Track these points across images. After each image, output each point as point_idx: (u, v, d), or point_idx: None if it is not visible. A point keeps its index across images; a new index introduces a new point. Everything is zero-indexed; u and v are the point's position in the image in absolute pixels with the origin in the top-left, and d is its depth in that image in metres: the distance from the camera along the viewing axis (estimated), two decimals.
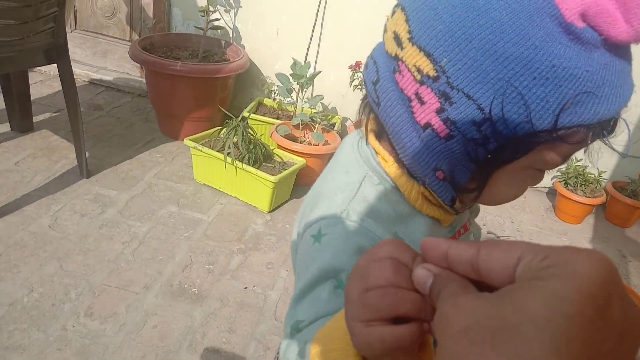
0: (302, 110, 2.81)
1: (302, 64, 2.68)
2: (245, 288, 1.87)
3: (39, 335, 1.53)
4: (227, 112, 2.44)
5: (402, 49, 0.53)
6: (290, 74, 2.64)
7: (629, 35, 0.45)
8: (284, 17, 2.96)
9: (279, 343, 1.62)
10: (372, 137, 0.63)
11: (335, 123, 2.92)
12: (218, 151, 2.30)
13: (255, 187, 2.28)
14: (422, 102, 0.52)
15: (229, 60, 2.85)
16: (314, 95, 2.91)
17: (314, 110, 2.87)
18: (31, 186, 2.19)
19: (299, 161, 2.42)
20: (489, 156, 0.52)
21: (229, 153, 2.24)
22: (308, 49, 2.89)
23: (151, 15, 3.15)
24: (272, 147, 2.46)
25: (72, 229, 1.99)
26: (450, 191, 0.57)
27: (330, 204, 0.60)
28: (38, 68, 3.27)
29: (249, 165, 2.25)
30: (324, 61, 3.00)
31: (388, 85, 0.55)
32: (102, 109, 3.00)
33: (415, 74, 0.52)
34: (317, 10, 2.83)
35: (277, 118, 2.86)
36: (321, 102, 3.08)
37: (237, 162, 2.24)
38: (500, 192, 0.58)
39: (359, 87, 2.77)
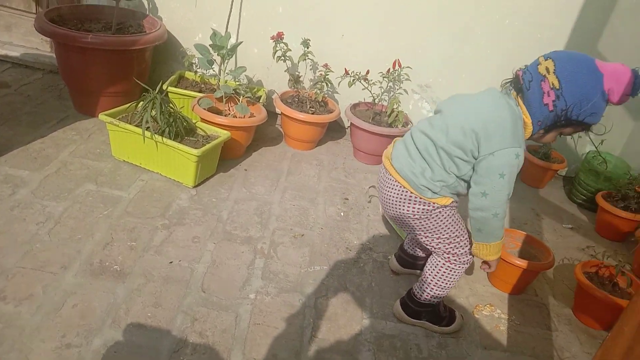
0: (226, 83, 2.76)
1: (223, 34, 2.62)
2: (171, 263, 1.84)
3: None
4: (144, 86, 2.35)
5: (549, 74, 1.45)
6: (209, 45, 2.58)
7: (616, 102, 1.44)
8: None
9: (207, 315, 1.61)
10: (519, 102, 1.53)
11: (261, 96, 2.89)
12: (136, 126, 2.22)
13: (178, 161, 2.22)
14: (549, 95, 1.46)
15: (145, 32, 2.74)
16: (237, 67, 2.86)
17: (238, 83, 2.82)
18: None
19: (224, 134, 2.38)
20: (559, 122, 1.49)
21: (147, 127, 2.16)
22: (228, 19, 2.82)
23: None
24: (194, 121, 2.41)
25: None
26: (537, 130, 1.53)
27: (504, 140, 1.46)
28: None
29: (170, 139, 2.19)
30: (246, 33, 2.94)
31: (536, 85, 1.47)
32: (9, 87, 2.81)
33: (551, 84, 1.45)
34: None
35: (200, 91, 2.80)
36: (246, 75, 3.04)
37: (157, 136, 2.17)
38: (547, 138, 1.58)
39: (282, 58, 2.75)
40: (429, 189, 1.57)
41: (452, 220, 1.63)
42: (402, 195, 1.62)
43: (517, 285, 1.98)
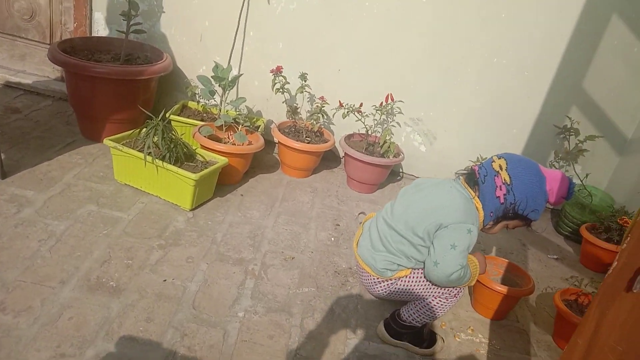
0: (227, 113, 2.89)
1: (225, 67, 2.76)
2: (165, 280, 1.92)
3: None
4: (148, 113, 2.47)
5: (501, 170, 1.69)
6: (212, 76, 2.72)
7: (552, 202, 1.72)
8: (207, 22, 3.04)
9: (196, 330, 1.68)
10: (473, 194, 1.73)
11: (259, 125, 3.02)
12: (139, 151, 2.34)
13: (176, 185, 2.33)
14: (500, 189, 1.68)
15: (151, 63, 2.89)
16: (238, 98, 2.99)
17: (238, 113, 2.95)
18: None
19: (222, 160, 2.49)
20: (507, 215, 1.72)
21: (149, 152, 2.28)
22: (231, 54, 2.98)
23: (72, 19, 3.13)
24: (195, 148, 2.52)
25: None
26: (489, 220, 1.75)
27: (457, 216, 1.67)
28: None
29: (170, 164, 2.30)
30: (247, 66, 3.09)
31: (490, 179, 1.70)
32: (19, 112, 2.95)
33: (503, 180, 1.68)
34: (239, 18, 2.93)
35: (202, 120, 2.93)
36: (246, 106, 3.17)
37: (158, 160, 2.29)
38: (495, 229, 1.81)
39: (281, 90, 2.89)
40: (388, 269, 1.78)
41: (423, 280, 1.78)
42: (369, 279, 1.84)
43: (499, 310, 2.05)
